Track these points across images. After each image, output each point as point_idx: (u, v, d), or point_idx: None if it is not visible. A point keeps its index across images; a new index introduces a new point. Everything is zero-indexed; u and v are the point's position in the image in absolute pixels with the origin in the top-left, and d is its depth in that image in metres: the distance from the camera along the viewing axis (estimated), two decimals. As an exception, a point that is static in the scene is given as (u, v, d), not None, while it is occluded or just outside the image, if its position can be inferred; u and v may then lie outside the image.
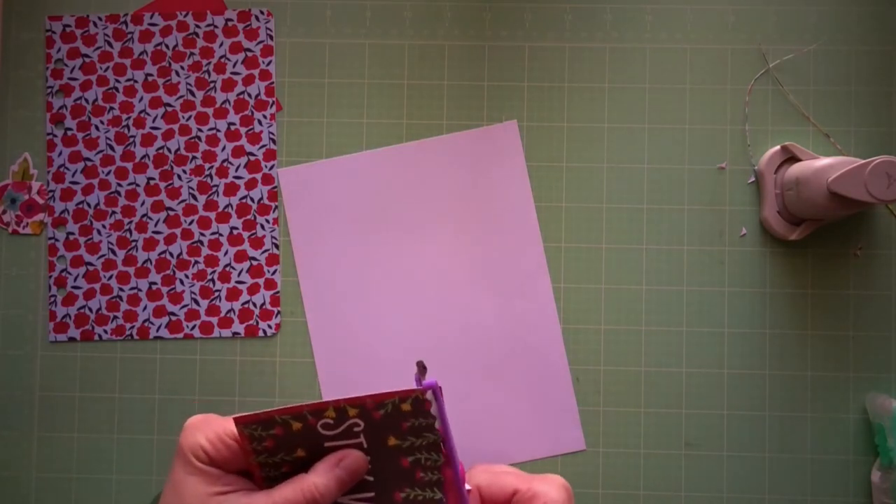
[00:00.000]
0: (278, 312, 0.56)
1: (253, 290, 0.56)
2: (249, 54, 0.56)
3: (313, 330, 0.55)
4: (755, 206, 0.55)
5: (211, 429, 0.36)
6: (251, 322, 0.55)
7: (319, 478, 0.35)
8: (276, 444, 0.36)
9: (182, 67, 0.56)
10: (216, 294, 0.56)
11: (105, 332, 0.55)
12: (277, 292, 0.56)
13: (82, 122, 0.56)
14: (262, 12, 0.56)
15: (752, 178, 0.55)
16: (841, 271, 0.55)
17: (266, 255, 0.56)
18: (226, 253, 0.56)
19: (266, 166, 0.56)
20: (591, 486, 0.54)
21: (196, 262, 0.56)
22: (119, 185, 0.56)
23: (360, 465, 0.37)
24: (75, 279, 0.56)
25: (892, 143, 0.55)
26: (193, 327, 0.55)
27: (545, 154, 0.56)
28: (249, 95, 0.56)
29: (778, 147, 0.54)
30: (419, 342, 0.55)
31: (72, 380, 0.55)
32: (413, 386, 0.37)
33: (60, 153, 0.56)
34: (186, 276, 0.56)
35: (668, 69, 0.56)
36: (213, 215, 0.56)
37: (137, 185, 0.56)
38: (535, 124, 0.56)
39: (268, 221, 0.56)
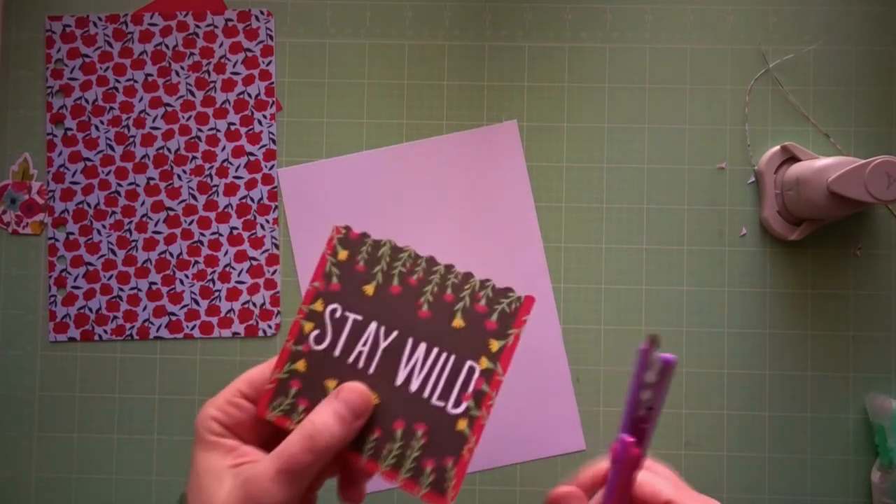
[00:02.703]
0: (278, 312, 0.55)
1: (253, 290, 0.56)
2: (249, 54, 0.56)
3: (313, 330, 0.55)
4: (755, 206, 0.55)
5: (220, 397, 0.37)
6: (251, 322, 0.55)
7: (316, 415, 0.35)
8: (353, 273, 0.37)
9: (182, 67, 0.56)
10: (216, 294, 0.56)
11: (105, 332, 0.55)
12: (277, 292, 0.56)
13: (82, 122, 0.56)
14: (262, 12, 0.56)
15: (752, 178, 0.55)
16: (841, 271, 0.55)
17: (266, 255, 0.56)
18: (226, 253, 0.56)
19: (266, 166, 0.56)
20: (591, 486, 0.54)
21: (196, 262, 0.56)
22: (119, 185, 0.56)
23: (358, 397, 0.35)
24: (75, 279, 0.56)
25: (892, 143, 0.55)
26: (193, 327, 0.55)
27: (545, 154, 0.56)
28: (249, 95, 0.56)
29: (778, 147, 0.54)
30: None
31: (72, 380, 0.55)
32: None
33: (60, 153, 0.56)
34: (186, 276, 0.56)
35: (668, 69, 0.56)
36: (213, 215, 0.56)
37: (137, 185, 0.56)
38: (535, 124, 0.56)
39: (268, 221, 0.56)
